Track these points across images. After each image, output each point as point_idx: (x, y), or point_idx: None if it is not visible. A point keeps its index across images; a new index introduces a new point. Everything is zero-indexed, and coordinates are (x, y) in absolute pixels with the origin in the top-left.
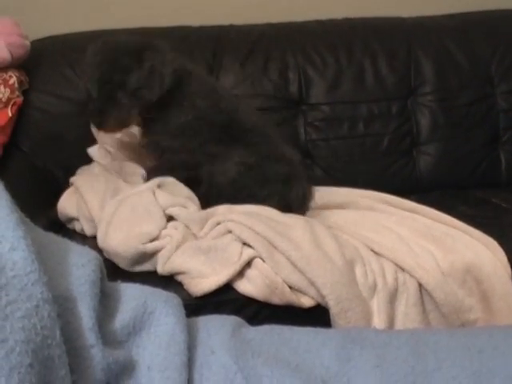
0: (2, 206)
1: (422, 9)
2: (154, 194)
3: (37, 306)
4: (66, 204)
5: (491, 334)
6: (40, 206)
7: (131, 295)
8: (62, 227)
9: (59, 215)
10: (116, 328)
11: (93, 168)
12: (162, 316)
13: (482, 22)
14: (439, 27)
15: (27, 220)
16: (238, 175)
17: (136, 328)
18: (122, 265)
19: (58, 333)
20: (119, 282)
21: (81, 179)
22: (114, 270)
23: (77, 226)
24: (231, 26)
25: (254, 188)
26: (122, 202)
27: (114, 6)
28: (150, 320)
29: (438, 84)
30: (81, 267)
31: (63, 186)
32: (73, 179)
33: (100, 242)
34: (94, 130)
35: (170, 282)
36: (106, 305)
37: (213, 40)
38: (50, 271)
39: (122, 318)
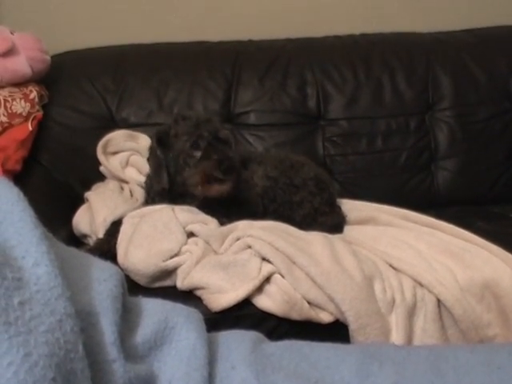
0: (26, 222)
1: (440, 24)
2: (173, 211)
3: (60, 321)
4: (80, 220)
5: (510, 351)
6: (60, 220)
7: (153, 310)
8: (81, 241)
9: (74, 230)
10: (137, 343)
11: (107, 184)
12: (183, 331)
13: (500, 37)
14: (457, 42)
15: (50, 235)
16: (265, 188)
17: (157, 343)
18: (142, 282)
19: (80, 347)
20: (140, 296)
21: (94, 195)
22: (133, 285)
23: (91, 242)
24: (250, 42)
25: (285, 196)
26: (141, 219)
27: (133, 21)
28: (172, 335)
29: (456, 99)
30: (103, 282)
31: (82, 199)
32: (87, 194)
33: (120, 259)
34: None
35: (189, 296)
36: (127, 319)
37: (232, 55)
38: (73, 286)
39: (143, 333)
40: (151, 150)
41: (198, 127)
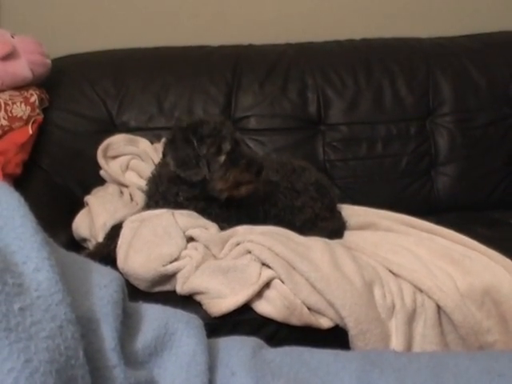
0: (26, 227)
1: (441, 29)
2: (173, 215)
3: (61, 327)
4: (80, 224)
5: (511, 358)
6: (59, 224)
7: (153, 316)
8: (81, 245)
9: (74, 234)
10: (138, 349)
11: (107, 188)
12: (183, 337)
13: (501, 42)
14: (458, 48)
15: (51, 240)
16: (266, 192)
17: (158, 349)
18: (142, 287)
19: (81, 353)
20: (141, 302)
21: (94, 199)
22: (133, 289)
23: (90, 247)
24: (250, 46)
25: (287, 201)
26: (141, 224)
27: (134, 25)
28: (172, 341)
29: (456, 105)
30: (103, 288)
31: (82, 203)
32: (87, 198)
33: (120, 263)
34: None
35: (188, 301)
36: (128, 325)
37: (232, 60)
38: (73, 292)
39: (143, 339)
40: (175, 142)
41: (219, 131)
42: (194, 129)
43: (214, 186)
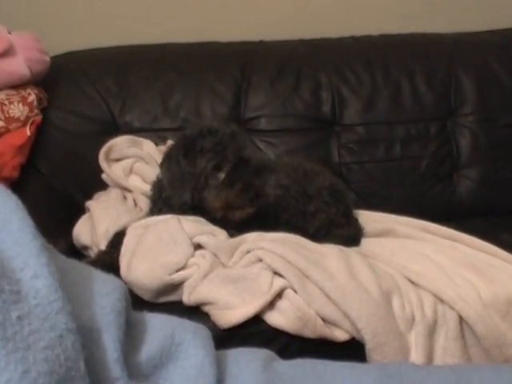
0: (25, 232)
1: (463, 24)
2: (179, 221)
3: (60, 337)
4: (81, 231)
5: None
6: (59, 230)
7: (158, 326)
8: (82, 253)
9: (74, 242)
10: (142, 360)
11: (109, 193)
12: (190, 348)
13: None
14: (480, 44)
15: (50, 246)
16: (277, 197)
17: (163, 360)
18: (146, 297)
19: (82, 364)
20: (145, 312)
21: (96, 204)
22: (137, 300)
23: (92, 255)
24: (261, 42)
25: (298, 206)
26: (145, 230)
27: (137, 20)
28: (178, 352)
29: (479, 104)
30: (105, 296)
31: (83, 209)
32: (88, 204)
33: (123, 272)
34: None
35: (196, 312)
36: (131, 335)
37: (241, 57)
38: (74, 300)
39: (148, 350)
40: (171, 157)
41: (224, 146)
42: (185, 148)
43: (208, 203)
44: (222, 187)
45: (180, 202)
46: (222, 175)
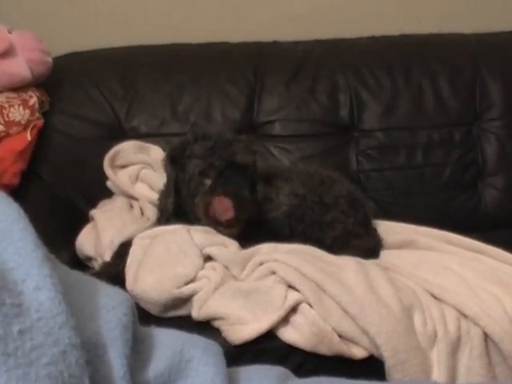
0: (27, 242)
1: (488, 24)
2: (188, 232)
3: (64, 352)
4: (85, 241)
5: None
6: (61, 240)
7: (166, 342)
8: (85, 265)
9: (77, 252)
10: (149, 378)
11: (114, 201)
12: (200, 365)
13: None
14: (506, 44)
15: (53, 257)
16: (292, 206)
17: (172, 378)
18: (154, 311)
19: (86, 382)
20: (153, 327)
21: (100, 213)
22: (144, 314)
23: (96, 266)
24: (275, 43)
25: (315, 216)
26: (153, 241)
27: (144, 19)
28: (188, 369)
29: (506, 108)
30: (111, 310)
31: (86, 217)
32: (92, 212)
33: (129, 285)
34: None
35: (206, 328)
36: (138, 352)
37: (254, 58)
38: (78, 314)
39: (156, 367)
40: (163, 165)
41: (213, 152)
42: (171, 155)
43: (198, 212)
44: (207, 194)
45: (162, 209)
46: (209, 181)
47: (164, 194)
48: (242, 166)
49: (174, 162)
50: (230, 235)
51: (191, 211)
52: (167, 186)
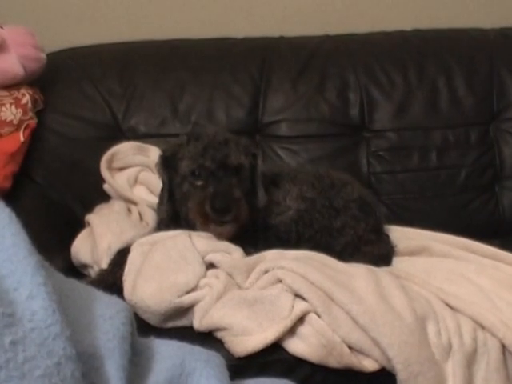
0: (19, 248)
1: (507, 18)
2: (190, 238)
3: (58, 364)
4: (80, 247)
5: None
6: (56, 247)
7: (166, 353)
8: (81, 272)
9: (72, 259)
10: None
11: (112, 205)
12: (202, 378)
13: None
14: None
15: (46, 264)
16: (299, 211)
17: None
18: (153, 321)
19: None
20: (152, 337)
21: (97, 218)
22: (143, 324)
23: (92, 274)
24: (281, 38)
25: (324, 221)
26: (152, 247)
27: (143, 13)
28: (189, 383)
29: None
30: (108, 319)
31: (82, 223)
32: (88, 217)
33: (127, 294)
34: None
35: (208, 339)
36: (137, 364)
37: (260, 54)
38: (73, 324)
39: (155, 380)
40: (157, 170)
41: (205, 152)
42: (164, 157)
43: (190, 215)
44: (198, 194)
45: (159, 217)
46: (198, 182)
47: (158, 201)
48: (235, 168)
49: (167, 165)
50: (223, 234)
51: (185, 215)
52: (161, 192)
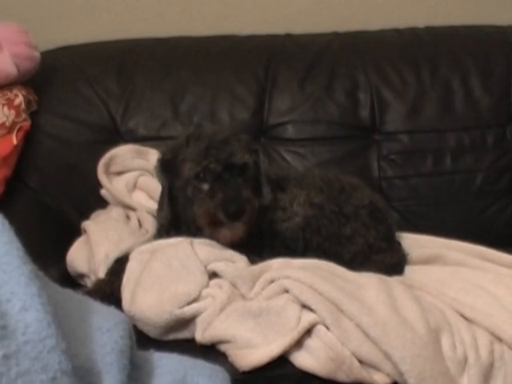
0: (12, 256)
1: None
2: (191, 245)
3: (54, 379)
4: (76, 256)
5: None
6: (50, 255)
7: (167, 368)
8: (77, 282)
9: (68, 269)
10: None
11: (110, 212)
12: None
13: None
14: None
15: (41, 274)
16: (307, 217)
17: None
18: (153, 333)
19: None
20: (152, 351)
21: (94, 225)
22: (143, 337)
23: (89, 284)
24: (288, 36)
25: (333, 228)
26: (152, 256)
27: (142, 10)
28: None
29: None
30: (106, 332)
31: (78, 230)
32: (85, 224)
33: (126, 305)
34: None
35: (211, 352)
36: (136, 379)
37: (265, 52)
38: (69, 337)
39: None
40: (156, 174)
41: (208, 153)
42: (162, 161)
43: (198, 221)
44: (203, 200)
45: (158, 225)
46: (206, 186)
47: (158, 207)
48: (241, 167)
49: (166, 168)
50: (232, 240)
51: (190, 220)
52: (160, 197)
